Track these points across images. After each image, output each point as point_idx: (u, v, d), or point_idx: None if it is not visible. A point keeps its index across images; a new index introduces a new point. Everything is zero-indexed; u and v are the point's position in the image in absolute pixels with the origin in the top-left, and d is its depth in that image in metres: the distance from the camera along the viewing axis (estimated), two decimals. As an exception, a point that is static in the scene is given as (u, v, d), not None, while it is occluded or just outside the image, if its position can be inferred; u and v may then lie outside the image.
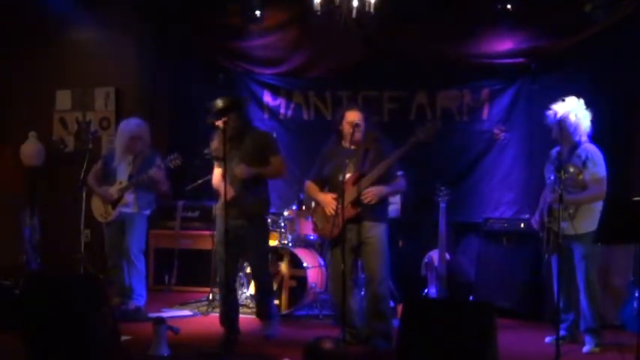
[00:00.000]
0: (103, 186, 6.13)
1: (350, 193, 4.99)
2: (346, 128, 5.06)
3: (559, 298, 4.91)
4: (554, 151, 5.20)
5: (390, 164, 4.97)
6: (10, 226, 7.79)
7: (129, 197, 6.04)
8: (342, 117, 5.11)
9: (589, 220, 4.87)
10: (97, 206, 6.17)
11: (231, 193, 4.93)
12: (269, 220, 6.11)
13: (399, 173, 5.14)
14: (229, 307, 5.24)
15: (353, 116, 5.06)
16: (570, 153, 5.08)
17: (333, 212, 5.04)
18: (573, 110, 5.08)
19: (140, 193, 6.08)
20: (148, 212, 6.22)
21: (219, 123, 4.95)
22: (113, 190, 6.06)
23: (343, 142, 5.11)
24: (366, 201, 4.93)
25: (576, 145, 5.09)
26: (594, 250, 5.05)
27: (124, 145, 6.09)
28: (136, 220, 6.10)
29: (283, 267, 6.21)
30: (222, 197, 4.95)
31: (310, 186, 5.32)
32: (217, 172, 5.23)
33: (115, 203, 6.07)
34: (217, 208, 5.23)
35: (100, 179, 6.19)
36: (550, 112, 5.13)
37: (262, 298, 5.45)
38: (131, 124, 6.14)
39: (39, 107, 8.00)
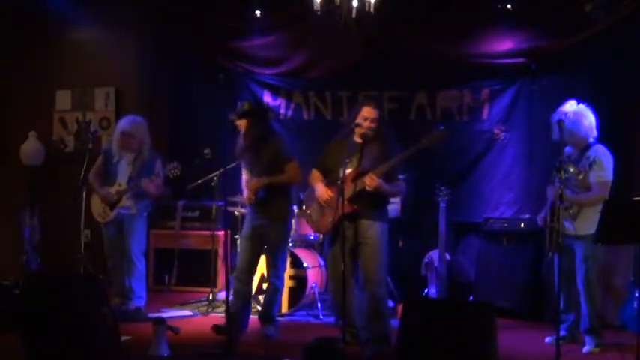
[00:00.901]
0: (103, 186, 6.12)
1: (348, 190, 4.98)
2: (361, 122, 5.06)
3: (559, 298, 4.91)
4: (567, 150, 5.12)
5: (391, 166, 4.96)
6: (10, 226, 7.79)
7: (127, 201, 6.04)
8: (359, 111, 5.11)
9: (591, 222, 4.81)
10: (96, 206, 6.16)
11: (251, 197, 5.34)
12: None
13: (401, 177, 5.14)
14: (241, 301, 5.30)
15: (368, 112, 5.06)
16: (581, 154, 5.08)
17: (324, 203, 5.09)
18: (582, 112, 5.08)
19: (138, 197, 6.06)
20: (145, 214, 6.21)
21: (239, 123, 5.30)
22: (112, 192, 6.06)
23: (354, 137, 5.11)
24: (367, 182, 4.91)
25: (588, 147, 5.09)
26: (596, 252, 5.04)
27: (117, 142, 6.09)
28: (135, 222, 6.09)
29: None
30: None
31: (314, 174, 5.32)
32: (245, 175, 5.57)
33: (113, 205, 6.07)
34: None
35: (102, 176, 6.17)
36: (558, 115, 5.07)
37: (272, 300, 5.51)
38: (124, 121, 6.13)
39: (39, 107, 8.00)
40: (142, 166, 6.08)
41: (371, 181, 4.88)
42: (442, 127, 4.94)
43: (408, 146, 4.99)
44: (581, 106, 5.15)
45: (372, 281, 5.02)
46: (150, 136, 6.22)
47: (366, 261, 5.05)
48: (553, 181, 5.07)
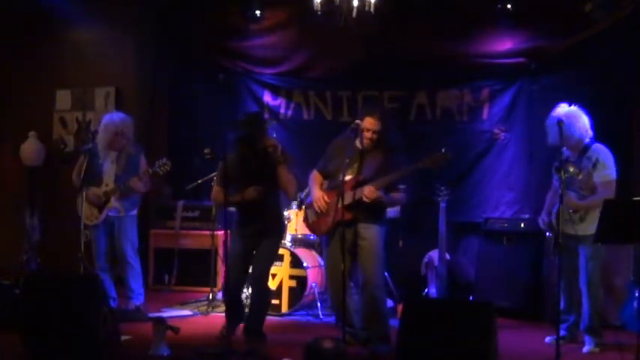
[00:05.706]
0: (90, 187, 5.96)
1: (346, 197, 4.96)
2: (363, 132, 5.02)
3: (559, 298, 4.91)
4: (565, 152, 5.06)
5: (389, 181, 4.94)
6: (10, 226, 7.79)
7: (115, 201, 5.97)
8: (363, 119, 5.05)
9: (595, 222, 4.76)
10: (84, 208, 5.99)
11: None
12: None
13: (402, 187, 5.10)
14: (232, 312, 5.18)
15: (369, 123, 4.99)
16: (581, 155, 5.04)
17: (319, 210, 5.08)
18: (575, 115, 5.07)
19: (124, 195, 5.98)
20: (134, 212, 6.14)
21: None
22: (100, 193, 5.97)
23: (356, 141, 5.10)
24: (364, 192, 4.89)
25: (586, 147, 5.06)
26: (599, 251, 5.04)
27: (108, 141, 5.99)
28: (124, 223, 6.04)
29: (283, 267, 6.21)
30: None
31: (315, 175, 5.31)
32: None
33: (101, 206, 5.99)
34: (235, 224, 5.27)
35: (87, 176, 5.95)
36: (553, 119, 5.06)
37: (257, 307, 5.22)
38: (115, 120, 6.03)
39: (39, 107, 8.00)
40: (128, 162, 6.00)
41: (370, 193, 4.86)
42: (445, 150, 4.87)
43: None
44: (574, 107, 5.12)
45: (371, 283, 5.02)
46: (132, 130, 6.11)
47: (364, 263, 5.04)
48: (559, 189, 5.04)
